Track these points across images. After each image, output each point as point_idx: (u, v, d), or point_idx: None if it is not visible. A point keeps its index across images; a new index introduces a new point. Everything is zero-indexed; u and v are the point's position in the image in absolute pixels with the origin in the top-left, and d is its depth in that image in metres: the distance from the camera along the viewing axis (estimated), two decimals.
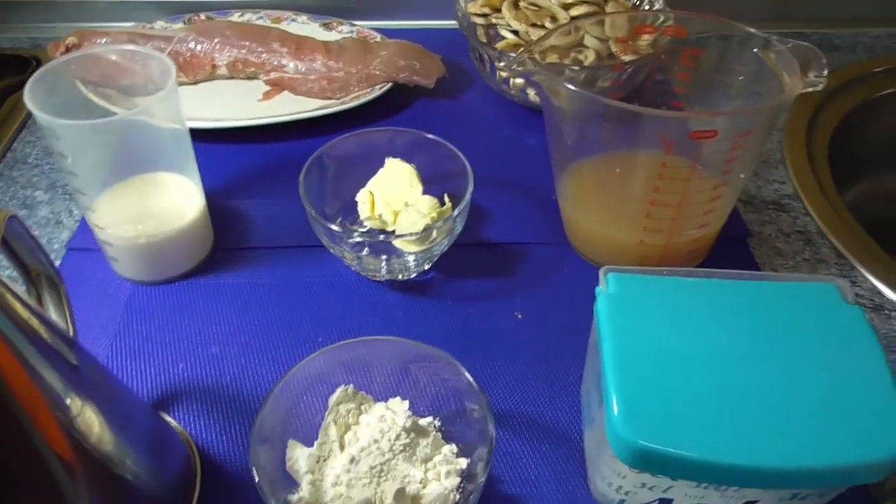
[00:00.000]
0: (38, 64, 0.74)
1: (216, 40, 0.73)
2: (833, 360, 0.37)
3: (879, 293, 0.55)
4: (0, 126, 0.69)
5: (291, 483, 0.40)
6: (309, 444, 0.41)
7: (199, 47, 0.73)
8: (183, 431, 0.45)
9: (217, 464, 0.44)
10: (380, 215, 0.55)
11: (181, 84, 0.71)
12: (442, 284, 0.55)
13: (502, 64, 0.67)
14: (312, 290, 0.55)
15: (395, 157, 0.57)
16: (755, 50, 0.51)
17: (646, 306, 0.39)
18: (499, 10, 0.71)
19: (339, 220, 0.57)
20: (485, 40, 0.71)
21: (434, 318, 0.53)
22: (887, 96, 0.76)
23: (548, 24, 0.69)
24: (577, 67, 0.63)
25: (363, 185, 0.57)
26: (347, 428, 0.42)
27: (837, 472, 0.34)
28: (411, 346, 0.42)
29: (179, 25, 0.78)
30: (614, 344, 0.37)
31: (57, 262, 0.55)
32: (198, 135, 0.53)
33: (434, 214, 0.53)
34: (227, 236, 0.58)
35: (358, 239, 0.52)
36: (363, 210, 0.56)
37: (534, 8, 0.70)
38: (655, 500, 0.39)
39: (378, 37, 0.77)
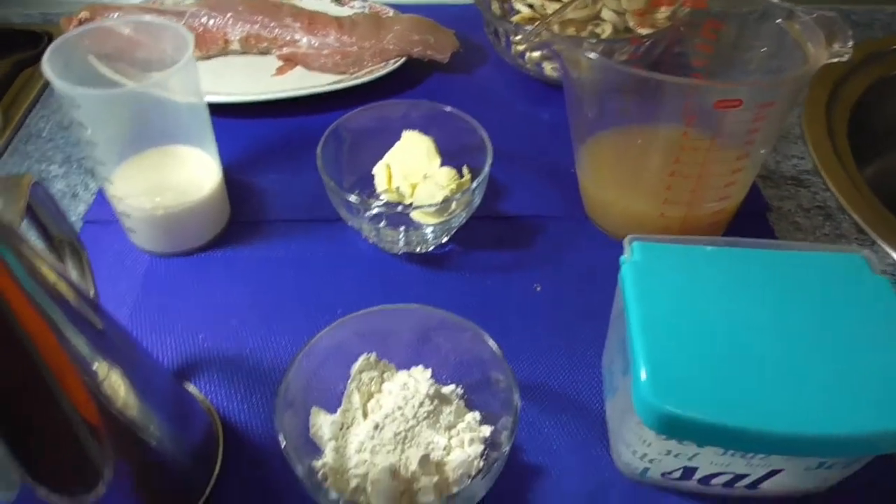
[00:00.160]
0: (50, 39, 0.74)
1: (228, 15, 0.72)
2: (859, 329, 0.37)
3: None
4: (13, 101, 0.69)
5: (314, 449, 0.40)
6: (331, 411, 0.41)
7: (211, 22, 0.72)
8: (204, 400, 0.46)
9: (238, 432, 0.44)
10: (397, 188, 0.55)
11: None
12: (460, 257, 0.55)
13: (519, 37, 0.66)
14: (329, 264, 0.54)
15: (411, 129, 0.57)
16: (778, 21, 0.51)
17: (670, 274, 0.39)
18: None
19: (357, 193, 0.57)
20: (500, 14, 0.70)
21: (452, 290, 0.53)
22: None
23: None
24: (593, 41, 0.63)
25: (379, 158, 0.57)
26: (370, 396, 0.42)
27: (863, 441, 0.34)
28: (434, 314, 0.42)
29: (191, 0, 0.77)
30: (640, 311, 0.37)
31: None
32: (211, 109, 0.53)
33: (453, 186, 0.52)
34: (242, 210, 0.58)
35: (375, 211, 0.52)
36: (380, 183, 0.56)
37: None
38: (680, 468, 0.39)
39: (391, 12, 0.77)
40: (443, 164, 0.55)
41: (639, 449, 0.38)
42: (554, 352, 0.49)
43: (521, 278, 0.53)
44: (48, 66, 0.44)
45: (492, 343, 0.40)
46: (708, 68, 0.56)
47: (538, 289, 0.53)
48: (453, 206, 0.51)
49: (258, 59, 0.73)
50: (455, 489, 0.38)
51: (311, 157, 0.53)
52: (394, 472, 0.37)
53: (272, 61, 0.73)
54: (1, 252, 0.28)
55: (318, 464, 0.39)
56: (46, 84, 0.72)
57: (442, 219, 0.51)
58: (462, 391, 0.43)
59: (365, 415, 0.41)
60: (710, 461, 0.37)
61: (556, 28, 0.51)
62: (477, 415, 0.41)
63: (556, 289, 0.53)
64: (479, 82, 0.73)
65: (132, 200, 0.51)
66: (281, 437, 0.36)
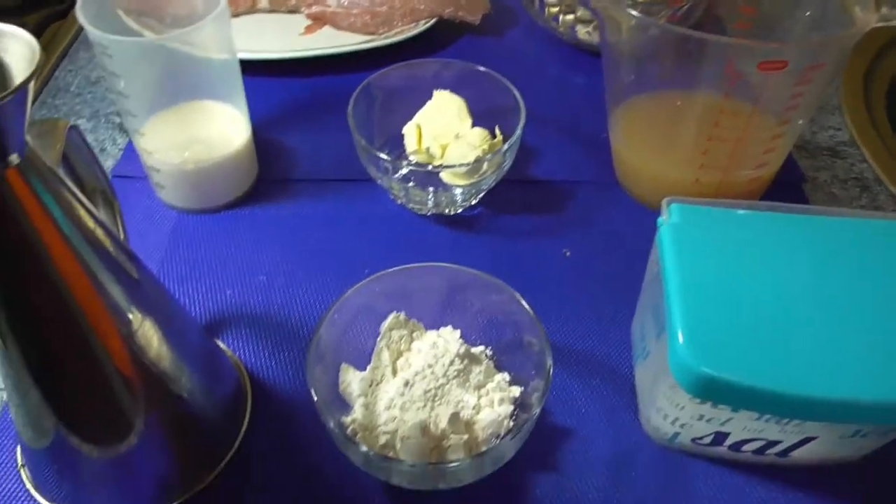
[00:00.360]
0: None
1: None
2: None
3: None
4: None
5: (343, 406, 0.40)
6: (360, 369, 0.41)
7: None
8: (233, 355, 0.46)
9: (266, 387, 0.44)
10: (427, 149, 0.54)
11: None
12: (488, 220, 0.54)
13: None
14: (357, 223, 0.54)
15: (443, 89, 0.56)
16: None
17: (708, 237, 0.38)
18: None
19: (386, 152, 0.56)
20: None
21: (480, 253, 0.52)
22: None
23: None
24: (630, 1, 0.61)
25: (409, 118, 0.56)
26: (399, 354, 0.42)
27: None
28: (464, 273, 0.42)
29: None
30: (678, 273, 0.36)
31: None
32: (240, 67, 0.52)
33: (485, 146, 0.52)
34: (270, 168, 0.58)
35: (405, 171, 0.51)
36: (409, 143, 0.55)
37: None
38: (711, 434, 0.38)
39: None
40: (474, 125, 0.54)
41: (671, 413, 0.38)
42: (582, 316, 0.48)
43: (551, 243, 0.53)
44: (81, 13, 0.44)
45: (526, 305, 0.40)
46: (748, 34, 0.54)
47: (567, 254, 0.52)
48: (484, 166, 0.50)
49: (287, 17, 0.72)
50: (484, 448, 0.38)
51: (339, 118, 0.52)
52: (424, 428, 0.37)
53: (301, 20, 0.72)
54: (40, 194, 0.28)
55: (347, 420, 0.39)
56: (74, 38, 0.71)
57: (472, 180, 0.51)
58: (491, 352, 0.42)
59: (394, 372, 0.41)
60: (744, 426, 0.37)
61: None
62: (506, 375, 0.41)
63: (585, 254, 0.52)
64: (511, 45, 0.71)
65: (162, 155, 0.51)
66: (313, 392, 0.36)
